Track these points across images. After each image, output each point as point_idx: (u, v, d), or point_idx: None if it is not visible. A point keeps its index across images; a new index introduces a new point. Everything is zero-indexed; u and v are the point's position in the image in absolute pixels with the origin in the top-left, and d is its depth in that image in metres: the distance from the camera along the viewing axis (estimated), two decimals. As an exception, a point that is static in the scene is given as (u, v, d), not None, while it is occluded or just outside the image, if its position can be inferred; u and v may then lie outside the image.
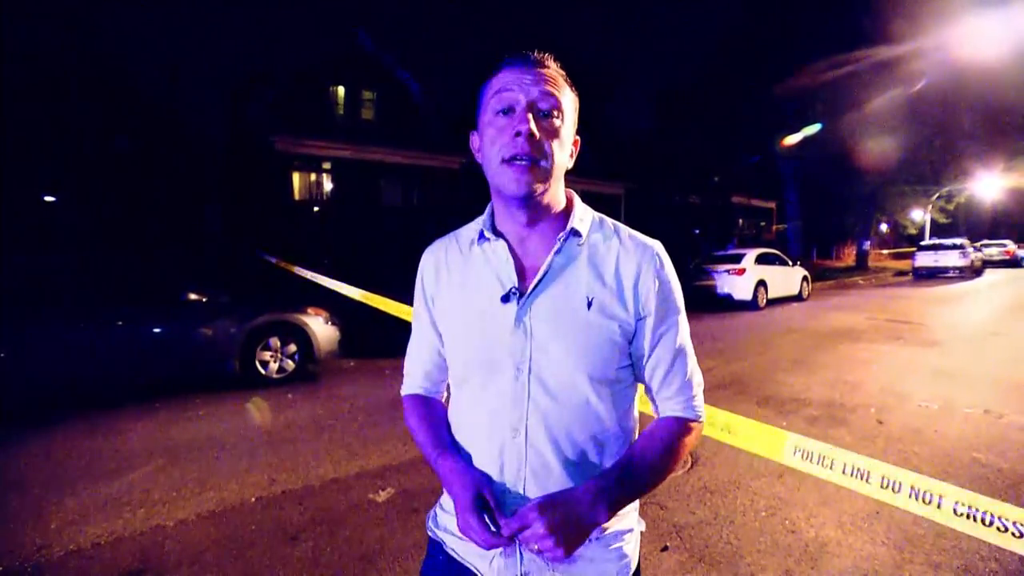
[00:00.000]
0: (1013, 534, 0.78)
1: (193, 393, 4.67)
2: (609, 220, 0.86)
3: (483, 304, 0.80)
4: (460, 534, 0.81)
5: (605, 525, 0.79)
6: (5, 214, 10.73)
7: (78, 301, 4.27)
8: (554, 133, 0.75)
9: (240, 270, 10.10)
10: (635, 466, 0.76)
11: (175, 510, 2.61)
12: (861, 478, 0.99)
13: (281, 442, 3.55)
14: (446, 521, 0.86)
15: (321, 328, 5.23)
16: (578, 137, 0.83)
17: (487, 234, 0.82)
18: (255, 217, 14.15)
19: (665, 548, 2.26)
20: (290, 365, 5.10)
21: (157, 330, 4.46)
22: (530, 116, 0.73)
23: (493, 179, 0.78)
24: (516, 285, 0.78)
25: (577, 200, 0.85)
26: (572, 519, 0.69)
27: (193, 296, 4.72)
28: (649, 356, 0.80)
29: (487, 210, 0.85)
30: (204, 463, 3.20)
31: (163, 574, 2.10)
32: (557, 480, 0.75)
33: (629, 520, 0.83)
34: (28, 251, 6.01)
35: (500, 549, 0.77)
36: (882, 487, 0.96)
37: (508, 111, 0.74)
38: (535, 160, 0.73)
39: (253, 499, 2.73)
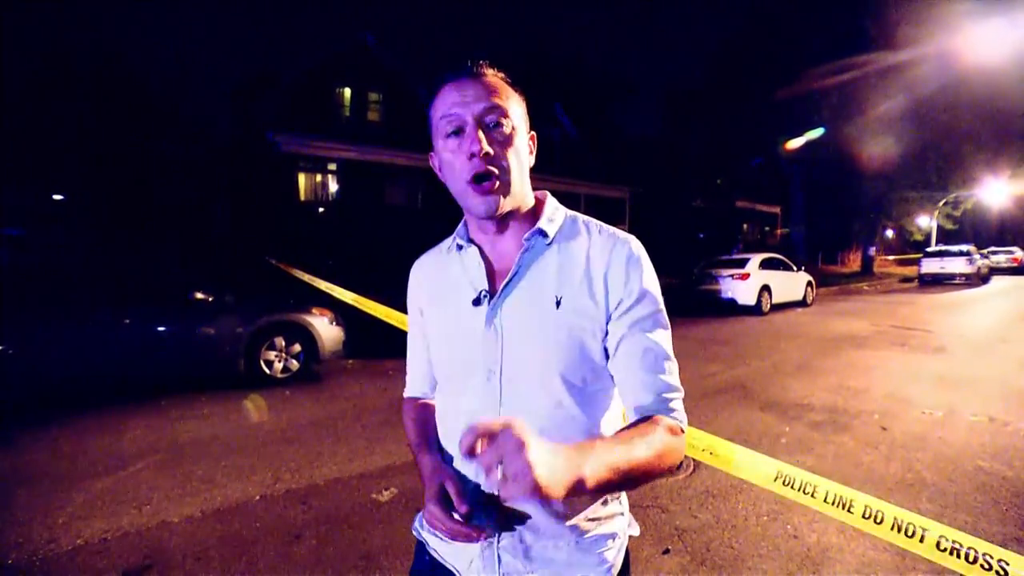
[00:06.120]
0: (997, 572, 0.78)
1: (198, 392, 4.70)
2: (583, 217, 0.85)
3: (457, 309, 0.81)
4: (441, 534, 0.81)
5: (586, 528, 0.77)
6: (13, 212, 10.84)
7: (86, 299, 4.31)
8: (507, 142, 0.76)
9: (246, 270, 10.16)
10: (612, 441, 0.64)
11: (180, 507, 2.63)
12: (843, 508, 0.99)
13: (285, 441, 3.58)
14: None
15: (326, 328, 5.26)
16: (533, 132, 0.84)
17: (460, 242, 0.85)
18: (261, 217, 14.23)
19: (667, 551, 2.26)
20: (294, 365, 5.13)
21: (163, 329, 4.50)
22: (480, 133, 0.73)
23: (460, 202, 0.79)
24: (486, 288, 0.79)
25: (549, 200, 0.86)
26: (553, 451, 0.52)
27: (199, 296, 4.75)
28: (617, 350, 0.76)
29: (463, 221, 0.87)
30: (209, 461, 3.22)
31: (168, 570, 2.12)
32: None
33: (613, 525, 0.80)
34: (35, 249, 6.06)
35: (479, 551, 0.77)
36: (864, 517, 0.96)
37: (458, 132, 0.75)
38: (495, 176, 0.74)
39: (257, 497, 2.75)
